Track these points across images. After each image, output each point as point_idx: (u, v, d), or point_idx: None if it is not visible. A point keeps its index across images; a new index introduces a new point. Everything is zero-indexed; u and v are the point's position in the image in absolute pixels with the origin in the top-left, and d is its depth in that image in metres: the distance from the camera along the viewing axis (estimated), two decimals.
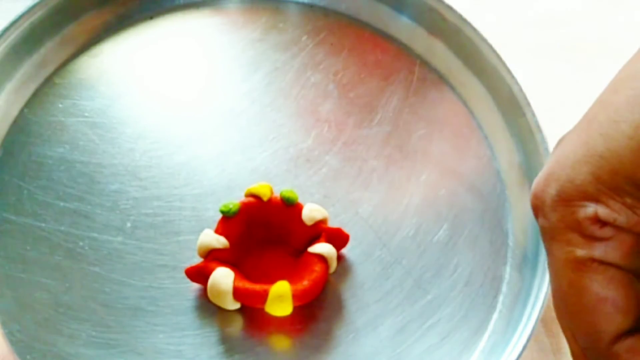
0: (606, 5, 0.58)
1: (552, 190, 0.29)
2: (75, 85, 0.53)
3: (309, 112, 0.52)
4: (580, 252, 0.29)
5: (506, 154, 0.50)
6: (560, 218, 0.29)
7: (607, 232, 0.29)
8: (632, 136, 0.28)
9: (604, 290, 0.28)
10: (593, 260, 0.29)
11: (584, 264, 0.29)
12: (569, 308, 0.29)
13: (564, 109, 0.54)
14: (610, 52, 0.56)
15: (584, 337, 0.29)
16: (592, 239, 0.28)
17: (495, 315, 0.46)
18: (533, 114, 0.49)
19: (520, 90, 0.50)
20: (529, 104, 0.50)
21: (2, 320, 0.45)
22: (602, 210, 0.28)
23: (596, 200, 0.28)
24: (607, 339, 0.29)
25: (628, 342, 0.29)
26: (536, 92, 0.51)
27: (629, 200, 0.28)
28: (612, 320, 0.29)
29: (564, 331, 0.30)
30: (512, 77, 0.50)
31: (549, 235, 0.29)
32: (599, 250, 0.29)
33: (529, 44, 0.56)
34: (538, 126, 0.49)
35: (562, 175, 0.29)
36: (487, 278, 0.47)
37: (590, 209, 0.28)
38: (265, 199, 0.46)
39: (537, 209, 0.29)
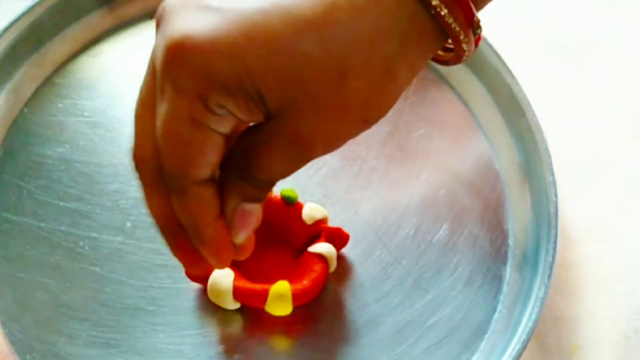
0: (606, 5, 0.58)
1: (197, 59, 0.32)
2: (75, 85, 0.53)
3: None
4: (198, 115, 0.33)
5: (506, 154, 0.50)
6: (196, 85, 0.32)
7: (223, 112, 0.33)
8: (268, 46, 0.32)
9: (206, 143, 0.34)
10: (203, 123, 0.33)
11: (194, 121, 0.33)
12: (166, 145, 0.33)
13: (564, 109, 0.54)
14: (610, 52, 0.56)
15: (177, 169, 0.34)
16: (211, 112, 0.33)
17: (495, 315, 0.46)
18: (533, 114, 0.49)
19: (520, 90, 0.50)
20: (529, 104, 0.50)
21: (2, 320, 0.45)
22: (230, 101, 0.33)
23: (228, 90, 0.32)
24: (192, 178, 0.34)
25: (207, 188, 0.34)
26: (536, 92, 0.51)
27: (250, 103, 0.33)
28: (203, 163, 0.34)
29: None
30: (512, 77, 0.50)
31: (178, 88, 0.33)
32: (212, 121, 0.33)
33: (529, 44, 0.56)
34: (538, 126, 0.49)
35: (208, 51, 0.32)
36: (487, 278, 0.47)
37: (222, 94, 0.32)
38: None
39: (172, 62, 0.33)
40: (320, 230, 0.46)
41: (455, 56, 0.35)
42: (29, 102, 0.52)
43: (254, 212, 0.36)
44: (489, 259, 0.47)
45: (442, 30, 0.33)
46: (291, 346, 0.45)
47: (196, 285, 0.46)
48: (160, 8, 0.34)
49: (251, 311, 0.45)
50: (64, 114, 0.52)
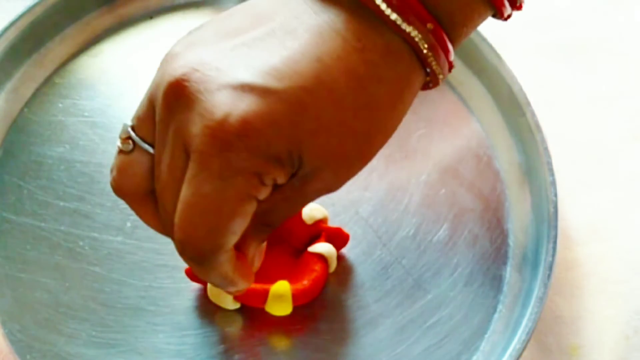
0: (606, 5, 0.58)
1: (251, 138, 0.34)
2: (75, 85, 0.53)
3: None
4: (255, 193, 0.35)
5: (506, 154, 0.50)
6: (254, 164, 0.34)
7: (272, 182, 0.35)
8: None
9: (246, 212, 0.35)
10: (254, 195, 0.35)
11: (249, 197, 0.35)
12: (214, 219, 0.35)
13: (564, 109, 0.54)
14: (610, 52, 0.56)
15: (212, 244, 0.35)
16: (263, 185, 0.35)
17: (495, 315, 0.46)
18: (533, 114, 0.49)
19: (520, 90, 0.50)
20: (529, 104, 0.50)
21: (2, 320, 0.45)
22: (279, 174, 0.35)
23: (279, 163, 0.34)
24: (230, 244, 0.36)
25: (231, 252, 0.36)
26: (536, 92, 0.51)
27: (286, 167, 0.35)
28: (236, 231, 0.35)
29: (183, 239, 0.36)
30: (512, 77, 0.50)
31: (237, 167, 0.34)
32: (263, 194, 0.35)
33: (529, 44, 0.56)
34: (538, 126, 0.49)
35: (260, 127, 0.34)
36: (487, 278, 0.47)
37: (276, 169, 0.34)
38: None
39: (228, 143, 0.34)
40: (320, 230, 0.46)
41: (431, 85, 0.38)
42: (29, 102, 0.52)
43: (264, 247, 0.41)
44: (489, 259, 0.47)
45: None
46: (291, 346, 0.45)
47: (196, 285, 0.46)
48: (174, 85, 0.35)
49: (251, 311, 0.45)
50: (64, 113, 0.52)
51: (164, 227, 0.38)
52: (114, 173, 0.38)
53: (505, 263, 0.47)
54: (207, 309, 0.45)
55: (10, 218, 0.48)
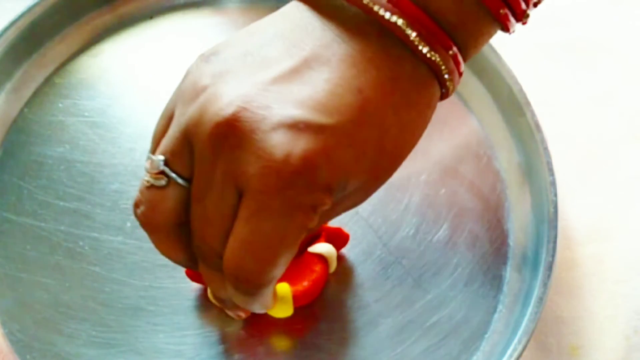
0: (606, 5, 0.58)
1: (324, 174, 0.35)
2: (75, 85, 0.53)
3: None
4: (310, 225, 0.35)
5: (506, 154, 0.50)
6: (316, 198, 0.35)
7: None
8: None
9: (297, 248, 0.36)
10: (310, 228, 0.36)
11: (305, 230, 0.35)
12: (266, 250, 0.35)
13: (564, 109, 0.54)
14: (610, 52, 0.56)
15: (260, 275, 0.36)
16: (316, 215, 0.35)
17: (495, 316, 0.46)
18: (533, 114, 0.49)
19: (520, 90, 0.50)
20: (529, 104, 0.50)
21: (2, 320, 0.45)
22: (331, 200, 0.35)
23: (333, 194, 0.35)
24: (275, 276, 0.36)
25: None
26: (536, 92, 0.51)
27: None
28: (284, 268, 0.36)
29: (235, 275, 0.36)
30: (512, 77, 0.50)
31: (296, 204, 0.34)
32: (314, 223, 0.36)
33: (529, 44, 0.56)
34: (538, 126, 0.49)
35: (330, 166, 0.35)
36: (487, 278, 0.47)
37: (328, 197, 0.35)
38: None
39: (290, 182, 0.34)
40: (320, 230, 0.46)
41: (443, 97, 0.39)
42: (29, 102, 0.52)
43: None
44: (489, 259, 0.47)
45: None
46: (291, 346, 0.45)
47: (196, 285, 0.46)
48: (223, 125, 0.34)
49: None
50: (64, 113, 0.52)
51: (190, 260, 0.38)
52: (144, 208, 0.38)
53: (505, 263, 0.47)
54: (207, 309, 0.45)
55: (10, 218, 0.48)
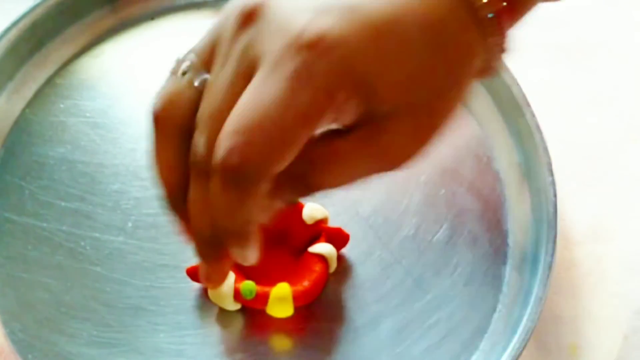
0: (606, 5, 0.58)
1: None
2: (76, 85, 0.53)
3: None
4: (318, 114, 0.32)
5: (506, 154, 0.50)
6: (331, 81, 0.32)
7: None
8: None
9: (305, 139, 0.32)
10: (318, 123, 0.32)
11: (313, 120, 0.32)
12: (267, 119, 0.32)
13: (564, 109, 0.54)
14: (610, 52, 0.56)
15: (259, 161, 0.32)
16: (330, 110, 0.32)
17: (495, 315, 0.46)
18: (533, 114, 0.49)
19: (520, 90, 0.50)
20: (528, 104, 0.50)
21: (3, 320, 0.45)
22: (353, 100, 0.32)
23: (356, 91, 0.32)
24: (273, 171, 0.32)
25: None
26: (536, 92, 0.51)
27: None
28: (281, 161, 0.32)
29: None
30: (512, 77, 0.50)
31: (309, 81, 0.32)
32: (325, 121, 0.32)
33: (529, 44, 0.56)
34: (538, 126, 0.49)
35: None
36: (487, 278, 0.47)
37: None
38: None
39: (304, 49, 0.32)
40: (320, 230, 0.46)
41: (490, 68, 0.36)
42: (30, 103, 0.52)
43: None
44: (488, 259, 0.47)
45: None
46: (291, 346, 0.45)
47: (197, 285, 0.46)
48: (251, 6, 0.33)
49: (252, 311, 0.45)
50: (66, 114, 0.52)
51: (180, 183, 0.35)
52: (160, 98, 0.35)
53: (504, 263, 0.47)
54: (208, 308, 0.45)
55: (11, 218, 0.48)
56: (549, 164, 0.48)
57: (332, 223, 0.47)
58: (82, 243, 0.47)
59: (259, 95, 0.32)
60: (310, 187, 0.34)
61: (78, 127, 0.51)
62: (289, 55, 0.31)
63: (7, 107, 0.52)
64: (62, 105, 0.52)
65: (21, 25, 0.52)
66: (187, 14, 0.56)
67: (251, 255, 0.34)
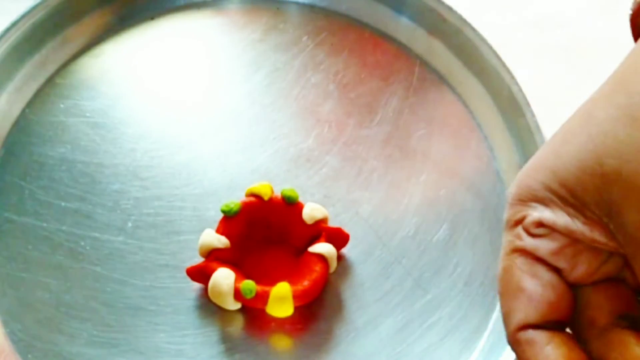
0: (606, 6, 0.58)
1: (512, 190, 0.34)
2: (76, 85, 0.53)
3: (309, 113, 0.52)
4: (518, 243, 0.33)
5: (506, 154, 0.50)
6: (513, 213, 0.34)
7: (543, 231, 0.33)
8: (576, 157, 0.33)
9: (525, 280, 0.33)
10: (525, 251, 0.33)
11: (517, 252, 0.33)
12: (499, 290, 0.34)
13: (564, 109, 0.54)
14: (610, 52, 0.56)
15: (503, 318, 0.33)
16: (531, 235, 0.33)
17: (495, 315, 0.46)
18: (533, 114, 0.49)
19: (520, 90, 0.50)
20: (528, 104, 0.50)
21: (3, 320, 0.45)
22: (546, 213, 0.33)
23: (543, 203, 0.33)
24: (513, 325, 0.33)
25: (529, 334, 0.33)
26: (536, 92, 0.51)
27: (570, 210, 0.32)
28: (523, 308, 0.33)
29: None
30: (512, 77, 0.50)
31: (505, 226, 0.34)
32: (531, 243, 0.33)
33: (529, 44, 0.56)
34: (538, 126, 0.49)
35: (522, 179, 0.34)
36: (487, 278, 0.47)
37: (537, 210, 0.33)
38: (266, 198, 0.46)
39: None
40: (320, 230, 0.46)
41: None
42: (30, 103, 0.52)
43: None
44: (488, 258, 0.47)
45: None
46: (291, 346, 0.45)
47: (197, 285, 0.46)
48: None
49: (252, 311, 0.45)
50: (66, 114, 0.52)
51: None
52: None
53: None
54: (208, 308, 0.45)
55: (11, 218, 0.48)
56: None
57: (332, 223, 0.47)
58: (82, 243, 0.47)
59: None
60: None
61: (78, 127, 0.51)
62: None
63: (7, 107, 0.52)
64: (62, 105, 0.52)
65: (21, 25, 0.52)
66: (187, 14, 0.56)
67: None
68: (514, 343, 0.33)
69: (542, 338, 0.32)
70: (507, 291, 0.33)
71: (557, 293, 0.33)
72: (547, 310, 0.33)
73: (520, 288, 0.33)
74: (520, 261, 0.33)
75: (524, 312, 0.32)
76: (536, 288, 0.33)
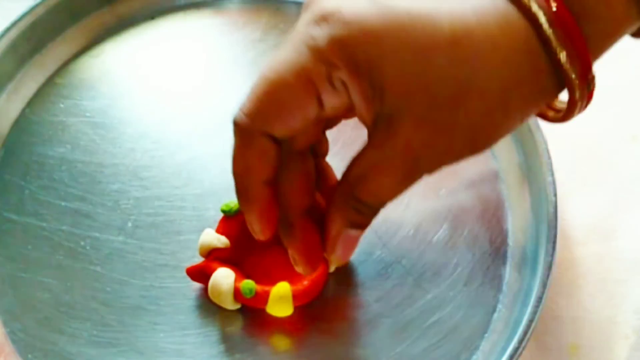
0: None
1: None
2: (76, 85, 0.53)
3: None
4: (317, 80, 0.34)
5: (506, 154, 0.50)
6: (331, 51, 0.34)
7: (340, 88, 0.35)
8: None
9: (306, 105, 0.36)
10: (317, 91, 0.35)
11: (311, 85, 0.35)
12: (275, 84, 0.35)
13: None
14: (610, 52, 0.56)
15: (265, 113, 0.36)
16: (330, 84, 0.35)
17: (494, 315, 0.46)
18: None
19: None
20: None
21: (3, 319, 0.45)
22: (354, 83, 0.34)
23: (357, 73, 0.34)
24: (276, 127, 0.36)
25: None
26: None
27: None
28: (287, 123, 0.36)
29: None
30: None
31: (313, 45, 0.34)
32: (324, 94, 0.35)
33: None
34: (538, 126, 0.49)
35: None
36: (487, 278, 0.47)
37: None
38: None
39: (317, 19, 0.34)
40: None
41: (567, 110, 0.36)
42: (31, 103, 0.52)
43: (357, 237, 0.38)
44: (488, 258, 0.47)
45: (559, 79, 0.34)
46: (291, 346, 0.45)
47: (197, 285, 0.46)
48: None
49: (252, 311, 0.45)
50: (66, 114, 0.52)
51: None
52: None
53: (504, 263, 0.47)
54: (208, 308, 0.45)
55: (11, 218, 0.48)
56: (550, 164, 0.48)
57: None
58: (82, 243, 0.47)
59: (272, 58, 0.34)
60: (365, 203, 0.36)
61: (78, 127, 0.51)
62: (303, 25, 0.34)
63: (7, 107, 0.52)
64: (62, 105, 0.52)
65: (21, 24, 0.52)
66: (187, 14, 0.56)
67: (253, 222, 0.39)
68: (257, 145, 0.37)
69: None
70: (281, 91, 0.35)
71: (309, 129, 0.37)
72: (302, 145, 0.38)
73: (294, 97, 0.35)
74: (306, 84, 0.35)
75: (287, 125, 0.36)
76: (307, 113, 0.36)
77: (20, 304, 0.46)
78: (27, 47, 0.53)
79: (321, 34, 0.33)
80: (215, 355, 0.44)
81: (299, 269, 0.40)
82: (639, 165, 0.52)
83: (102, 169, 0.50)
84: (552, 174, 0.47)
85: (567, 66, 0.33)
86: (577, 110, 0.36)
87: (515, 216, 0.48)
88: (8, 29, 0.52)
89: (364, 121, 0.35)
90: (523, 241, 0.47)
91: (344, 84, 0.34)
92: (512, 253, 0.47)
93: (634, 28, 0.35)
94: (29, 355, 0.44)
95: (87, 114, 0.52)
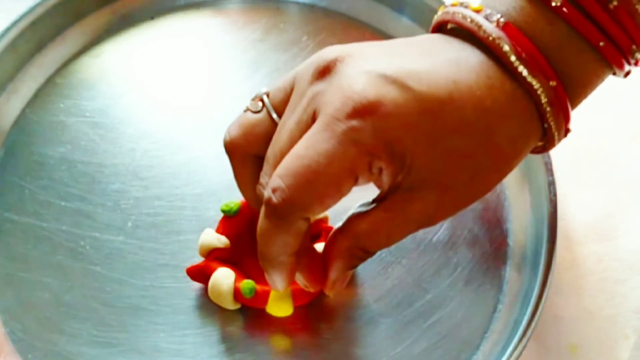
0: None
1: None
2: (76, 85, 0.53)
3: None
4: (359, 171, 0.37)
5: None
6: (374, 144, 0.36)
7: (376, 172, 0.38)
8: None
9: (345, 192, 0.39)
10: (356, 179, 0.38)
11: (353, 175, 0.38)
12: (316, 177, 0.37)
13: None
14: None
15: (302, 201, 0.38)
16: (369, 171, 0.38)
17: (495, 315, 0.46)
18: None
19: None
20: None
21: (3, 319, 0.45)
22: (389, 167, 0.37)
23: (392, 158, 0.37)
24: (312, 213, 0.39)
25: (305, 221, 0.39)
26: None
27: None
28: (326, 208, 0.38)
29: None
30: None
31: (357, 140, 0.36)
32: (363, 179, 0.38)
33: None
34: None
35: None
36: (487, 278, 0.47)
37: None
38: None
39: (358, 114, 0.36)
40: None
41: (545, 148, 0.40)
42: (30, 102, 0.52)
43: (350, 275, 0.42)
44: (488, 258, 0.47)
45: (544, 135, 0.39)
46: (291, 346, 0.45)
47: (197, 285, 0.46)
48: (325, 62, 0.38)
49: (252, 310, 0.45)
50: (65, 114, 0.52)
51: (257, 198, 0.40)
52: (233, 129, 0.41)
53: (505, 263, 0.47)
54: (208, 308, 0.45)
55: (11, 218, 0.48)
56: (549, 164, 0.48)
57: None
58: (82, 243, 0.47)
59: (309, 145, 0.36)
60: (364, 252, 0.40)
61: (78, 127, 0.51)
62: (343, 114, 0.36)
63: (7, 107, 0.52)
64: (62, 105, 0.52)
65: (21, 24, 0.52)
66: (187, 14, 0.56)
67: (277, 282, 0.40)
68: (296, 231, 0.38)
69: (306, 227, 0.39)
70: (324, 183, 0.37)
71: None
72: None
73: (338, 185, 0.38)
74: (349, 175, 0.38)
75: (324, 209, 0.39)
76: (343, 196, 0.38)
77: (20, 303, 0.46)
78: (27, 47, 0.53)
79: (365, 127, 0.36)
80: (215, 355, 0.44)
81: (308, 289, 0.42)
82: (639, 165, 0.52)
83: (102, 168, 0.50)
84: (552, 174, 0.47)
85: (554, 130, 0.38)
86: (555, 146, 0.40)
87: (515, 216, 0.48)
88: (8, 29, 0.52)
89: (380, 187, 0.39)
90: (523, 241, 0.47)
91: (380, 168, 0.37)
92: (512, 253, 0.47)
93: (605, 78, 0.39)
94: (29, 355, 0.44)
95: (87, 114, 0.52)
